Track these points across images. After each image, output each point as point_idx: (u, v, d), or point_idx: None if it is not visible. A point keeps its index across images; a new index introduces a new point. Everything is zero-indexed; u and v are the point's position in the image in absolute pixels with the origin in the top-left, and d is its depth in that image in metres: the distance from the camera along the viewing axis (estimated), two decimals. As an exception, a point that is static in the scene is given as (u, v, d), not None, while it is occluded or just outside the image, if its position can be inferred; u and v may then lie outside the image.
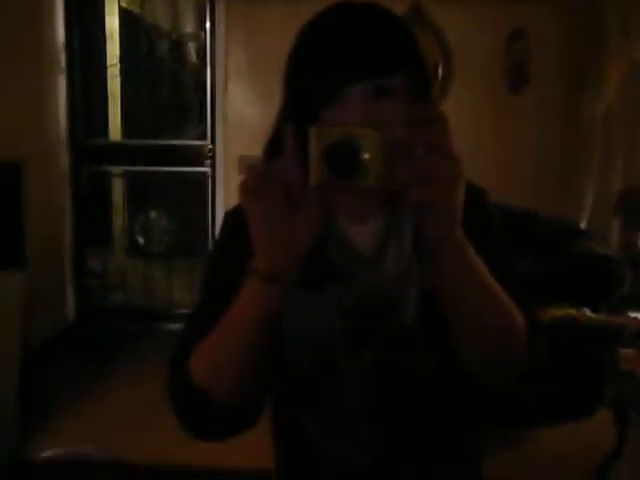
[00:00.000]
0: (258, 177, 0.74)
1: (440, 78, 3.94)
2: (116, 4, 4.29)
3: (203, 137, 4.24)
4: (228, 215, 1.03)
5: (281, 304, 0.78)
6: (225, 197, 4.13)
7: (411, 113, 0.72)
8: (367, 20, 0.87)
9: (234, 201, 0.88)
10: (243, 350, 0.82)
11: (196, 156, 4.23)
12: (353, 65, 0.83)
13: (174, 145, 4.37)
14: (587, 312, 2.69)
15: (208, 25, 4.10)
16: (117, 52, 4.31)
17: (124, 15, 4.36)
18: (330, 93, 0.84)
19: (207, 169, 4.22)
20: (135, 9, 4.39)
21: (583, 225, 3.83)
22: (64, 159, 4.15)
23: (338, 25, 0.87)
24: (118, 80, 4.35)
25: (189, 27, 4.42)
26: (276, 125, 0.94)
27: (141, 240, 4.84)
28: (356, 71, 0.83)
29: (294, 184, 0.73)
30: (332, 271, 0.94)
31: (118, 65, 4.29)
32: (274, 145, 0.93)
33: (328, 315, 0.94)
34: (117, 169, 4.44)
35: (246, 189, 0.74)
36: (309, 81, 0.86)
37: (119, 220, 4.64)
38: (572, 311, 2.67)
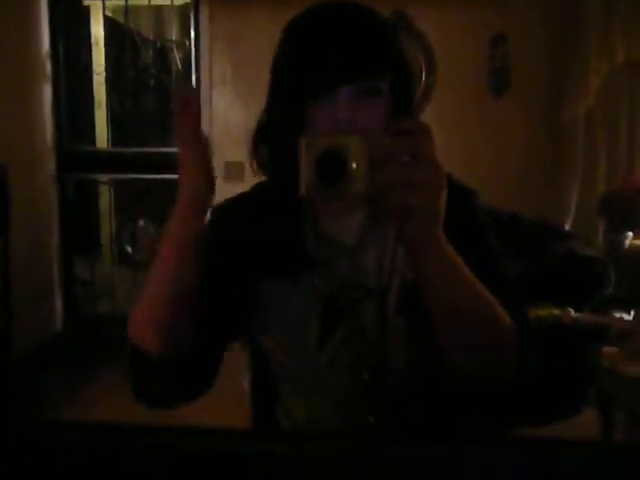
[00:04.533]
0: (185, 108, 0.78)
1: (423, 83, 3.97)
2: (101, 13, 4.29)
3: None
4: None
5: (200, 223, 0.82)
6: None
7: (397, 124, 0.75)
8: (354, 20, 0.88)
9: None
10: (166, 281, 0.84)
11: (182, 163, 4.22)
12: (343, 67, 0.84)
13: (161, 152, 4.36)
14: (571, 312, 2.71)
15: (192, 33, 4.12)
16: (102, 60, 4.31)
17: (109, 23, 4.37)
18: (319, 94, 0.85)
19: (193, 176, 4.20)
20: (120, 18, 4.40)
21: (568, 227, 3.85)
22: (50, 166, 4.15)
23: (326, 25, 0.88)
24: (104, 88, 4.36)
25: (174, 35, 4.43)
26: (262, 119, 0.97)
27: (129, 248, 4.83)
28: (346, 73, 0.85)
29: None
30: (310, 261, 0.96)
31: (104, 73, 4.30)
32: (261, 136, 0.97)
33: (303, 302, 0.95)
34: (104, 176, 4.44)
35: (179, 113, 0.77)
36: (298, 81, 0.87)
37: (107, 228, 4.63)
38: (556, 311, 2.68)
